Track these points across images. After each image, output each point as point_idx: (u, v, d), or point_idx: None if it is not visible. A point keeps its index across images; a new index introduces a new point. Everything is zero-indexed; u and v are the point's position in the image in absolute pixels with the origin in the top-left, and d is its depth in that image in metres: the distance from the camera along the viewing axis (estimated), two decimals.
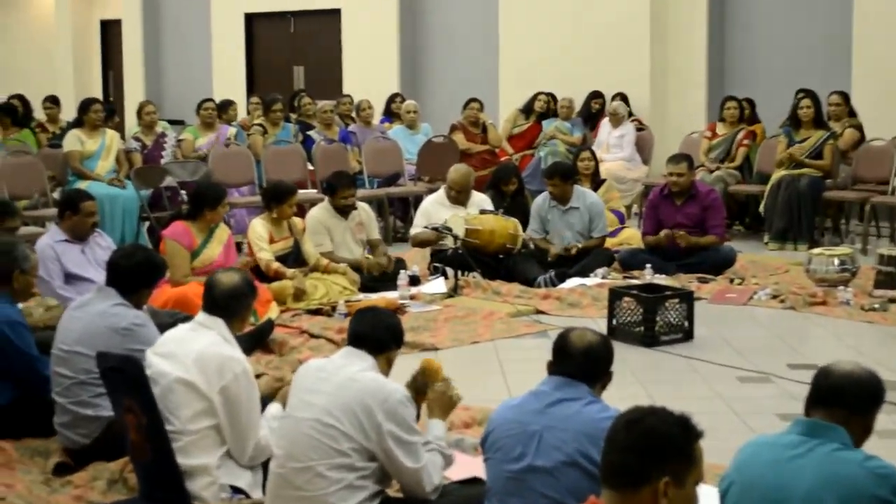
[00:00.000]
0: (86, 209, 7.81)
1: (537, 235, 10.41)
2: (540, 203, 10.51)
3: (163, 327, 5.40)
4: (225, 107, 14.13)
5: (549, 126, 14.32)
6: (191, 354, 4.79)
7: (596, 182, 11.40)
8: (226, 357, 4.82)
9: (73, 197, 8.14)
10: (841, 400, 3.64)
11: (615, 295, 8.18)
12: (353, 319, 4.79)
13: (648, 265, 9.79)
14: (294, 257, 9.25)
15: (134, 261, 5.60)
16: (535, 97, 14.65)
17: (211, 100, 13.62)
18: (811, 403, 3.71)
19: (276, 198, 9.21)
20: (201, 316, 4.99)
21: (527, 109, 14.67)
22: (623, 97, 14.53)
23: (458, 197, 10.34)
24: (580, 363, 4.21)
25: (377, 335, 4.64)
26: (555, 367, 4.26)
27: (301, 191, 11.09)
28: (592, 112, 14.71)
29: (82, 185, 11.03)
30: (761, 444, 3.74)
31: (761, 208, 12.11)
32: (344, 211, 9.80)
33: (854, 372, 3.71)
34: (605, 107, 14.58)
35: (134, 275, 5.56)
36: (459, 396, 4.90)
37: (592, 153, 11.74)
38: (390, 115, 15.19)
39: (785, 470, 3.56)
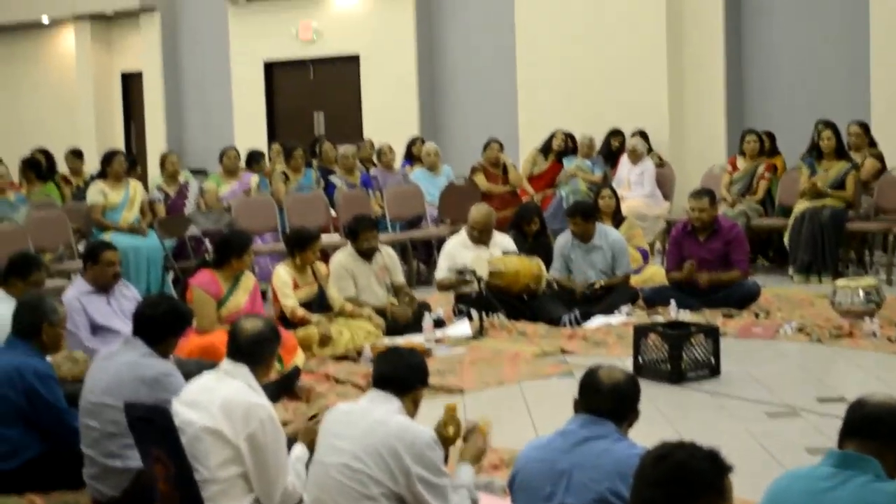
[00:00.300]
0: (105, 259, 7.84)
1: (560, 275, 10.42)
2: (562, 242, 10.52)
3: (189, 376, 5.40)
4: (258, 158, 14.11)
5: (569, 165, 14.35)
6: (216, 402, 4.80)
7: (617, 220, 11.39)
8: (251, 404, 4.82)
9: (94, 247, 8.18)
10: (875, 431, 3.62)
11: (640, 332, 8.17)
12: (377, 361, 4.82)
13: (673, 301, 9.79)
14: (319, 303, 9.26)
15: (160, 310, 5.63)
16: (552, 136, 14.69)
17: (234, 148, 13.69)
18: (844, 435, 3.69)
19: (300, 244, 9.23)
20: (226, 363, 4.99)
21: (545, 149, 14.72)
22: (642, 134, 14.55)
23: (481, 237, 10.36)
24: (608, 400, 4.20)
25: (401, 375, 4.67)
26: (582, 404, 4.26)
27: (324, 236, 11.13)
28: (612, 150, 14.73)
29: (106, 236, 11.09)
30: (795, 476, 3.73)
31: (785, 241, 12.08)
32: (367, 254, 9.82)
33: (888, 403, 3.69)
34: (625, 144, 14.60)
35: (160, 324, 5.58)
36: (489, 422, 4.89)
37: (613, 191, 11.74)
38: (411, 158, 15.23)
39: (819, 502, 3.54)
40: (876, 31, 13.46)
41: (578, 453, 4.13)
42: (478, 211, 10.53)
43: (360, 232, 9.79)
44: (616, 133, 14.83)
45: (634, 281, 10.70)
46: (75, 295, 7.80)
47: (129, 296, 8.00)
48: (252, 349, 5.00)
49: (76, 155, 15.01)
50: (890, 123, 13.16)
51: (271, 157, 15.55)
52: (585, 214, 10.42)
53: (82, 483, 5.61)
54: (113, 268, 7.85)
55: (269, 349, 5.10)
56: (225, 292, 8.42)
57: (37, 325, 5.81)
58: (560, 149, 14.59)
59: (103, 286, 7.85)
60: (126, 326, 7.29)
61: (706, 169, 13.82)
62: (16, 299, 6.61)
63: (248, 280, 8.64)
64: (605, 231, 10.50)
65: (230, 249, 8.41)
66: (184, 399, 4.95)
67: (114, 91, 21.74)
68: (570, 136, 14.73)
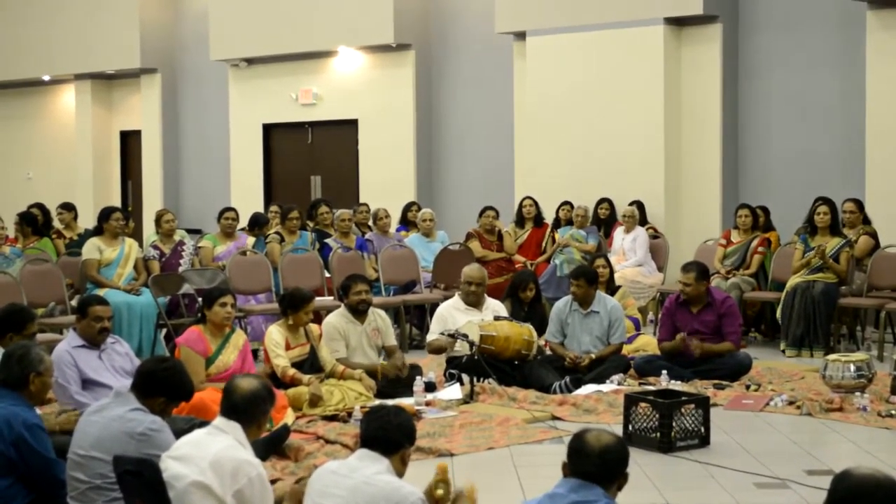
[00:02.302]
0: (92, 313, 7.87)
1: (555, 339, 10.44)
2: (561, 307, 10.56)
3: (179, 433, 5.40)
4: (262, 223, 14.03)
5: (564, 234, 14.41)
6: (207, 457, 4.80)
7: (611, 289, 11.41)
8: (241, 461, 4.82)
9: (84, 301, 8.23)
10: (859, 503, 3.64)
11: (631, 401, 8.17)
12: (364, 420, 4.81)
13: (664, 371, 9.80)
14: (310, 363, 9.27)
15: (163, 366, 5.66)
16: (520, 205, 14.82)
17: (232, 209, 13.65)
18: None
19: (293, 305, 9.27)
20: (219, 420, 5.01)
21: (518, 220, 14.81)
22: (640, 205, 14.63)
23: (476, 294, 10.39)
24: (596, 464, 4.21)
25: (389, 435, 4.67)
26: (570, 468, 4.26)
27: (317, 298, 11.14)
28: (601, 218, 14.79)
29: (100, 292, 11.12)
30: None
31: (778, 315, 12.14)
32: (359, 311, 9.84)
33: (873, 476, 3.71)
34: (613, 212, 14.71)
35: (159, 379, 5.56)
36: (475, 488, 4.89)
37: (607, 260, 11.80)
38: (406, 223, 15.30)
39: None
40: (871, 110, 13.56)
41: None
42: (471, 268, 10.64)
43: (352, 285, 9.85)
44: (602, 201, 14.89)
45: (626, 350, 10.71)
46: (66, 348, 7.81)
47: (121, 351, 8.01)
48: (246, 408, 5.01)
49: (67, 208, 15.04)
50: (884, 201, 13.24)
51: (269, 220, 15.58)
52: (589, 278, 10.47)
53: None
54: (101, 322, 7.86)
55: (263, 409, 5.10)
56: (214, 350, 8.45)
57: (25, 375, 5.79)
58: (530, 215, 14.67)
59: (90, 340, 7.86)
60: (117, 381, 7.31)
61: (701, 242, 13.90)
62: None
63: (239, 338, 8.68)
64: (603, 298, 10.55)
65: (203, 301, 8.56)
66: (174, 453, 4.95)
67: (112, 149, 21.84)
68: (569, 206, 14.83)
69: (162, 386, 5.60)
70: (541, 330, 10.59)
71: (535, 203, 14.75)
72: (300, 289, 9.65)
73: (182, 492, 4.76)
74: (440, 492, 4.90)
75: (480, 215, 14.39)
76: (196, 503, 4.73)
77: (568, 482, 4.23)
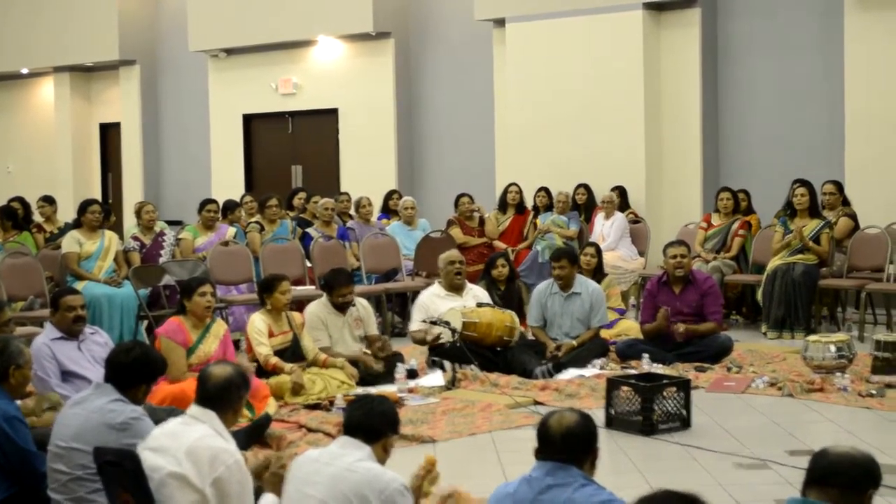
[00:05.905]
0: (63, 304, 7.85)
1: (537, 324, 10.47)
2: (542, 289, 10.59)
3: (160, 424, 5.38)
4: (232, 207, 14.05)
5: (545, 220, 14.40)
6: (182, 447, 4.77)
7: (598, 278, 11.30)
8: (218, 449, 4.80)
9: (55, 294, 8.24)
10: (835, 480, 3.68)
11: (613, 384, 8.19)
12: (347, 408, 4.82)
13: (646, 355, 9.82)
14: (292, 352, 9.26)
15: (131, 357, 5.60)
16: (505, 191, 14.79)
17: (214, 201, 13.58)
18: (807, 484, 3.76)
19: (268, 287, 9.27)
20: (194, 409, 4.97)
21: (501, 205, 14.78)
22: (622, 191, 14.62)
23: (461, 269, 10.47)
24: (561, 448, 4.25)
25: (371, 423, 4.66)
26: (540, 454, 4.30)
27: (299, 287, 11.12)
28: (578, 203, 14.76)
29: (79, 285, 11.08)
30: None
31: (758, 297, 12.17)
32: (342, 307, 9.83)
33: (849, 453, 3.75)
34: (591, 197, 14.69)
35: (131, 370, 5.55)
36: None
37: (597, 248, 11.73)
38: (388, 211, 15.28)
39: None
40: (850, 92, 13.58)
41: (543, 502, 4.15)
42: (448, 253, 10.80)
43: (337, 287, 9.81)
44: (579, 186, 14.86)
45: (607, 334, 10.73)
46: (45, 341, 7.78)
47: (100, 342, 7.99)
48: (220, 395, 4.98)
49: (48, 201, 15.00)
50: (863, 183, 13.27)
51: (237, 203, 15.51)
52: (571, 258, 10.52)
53: None
54: (74, 312, 7.84)
55: (238, 395, 5.07)
56: (194, 340, 8.43)
57: (4, 367, 5.77)
58: (515, 202, 14.65)
59: (67, 331, 7.84)
60: (97, 373, 7.27)
61: (681, 226, 13.91)
62: None
63: (219, 327, 8.67)
64: (584, 280, 10.60)
65: (182, 292, 8.56)
66: (150, 444, 4.92)
67: (92, 141, 21.75)
68: (545, 192, 14.81)
69: (139, 374, 5.58)
70: (518, 309, 10.62)
71: (521, 190, 14.73)
72: (272, 273, 9.65)
73: (159, 483, 4.74)
74: (426, 484, 4.87)
75: (456, 203, 14.41)
76: (173, 494, 4.71)
77: (543, 465, 4.27)
